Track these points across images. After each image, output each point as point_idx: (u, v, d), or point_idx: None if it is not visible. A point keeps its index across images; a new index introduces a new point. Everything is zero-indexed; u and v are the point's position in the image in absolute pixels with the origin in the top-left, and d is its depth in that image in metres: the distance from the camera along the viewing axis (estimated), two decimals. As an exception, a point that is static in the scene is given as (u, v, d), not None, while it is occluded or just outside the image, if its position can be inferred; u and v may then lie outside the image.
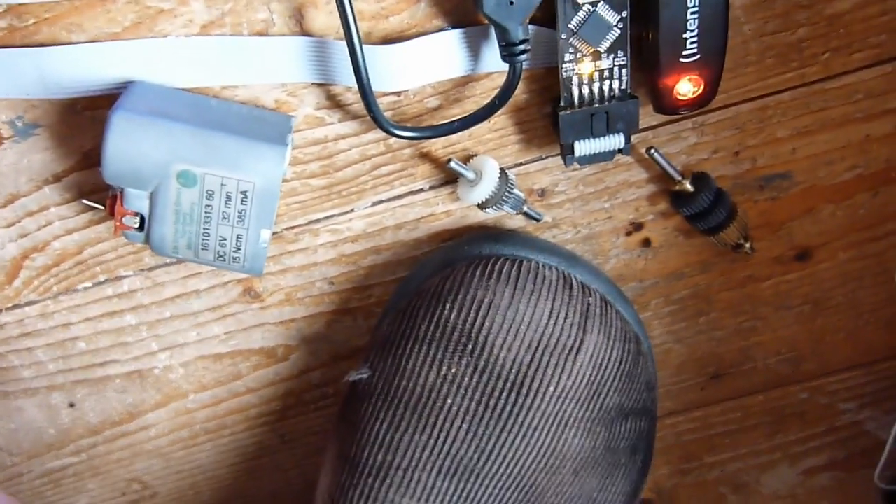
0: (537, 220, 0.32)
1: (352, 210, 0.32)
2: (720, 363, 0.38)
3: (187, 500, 0.40)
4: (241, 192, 0.26)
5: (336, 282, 0.34)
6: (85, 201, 0.29)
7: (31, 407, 0.36)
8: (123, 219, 0.27)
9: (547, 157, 0.32)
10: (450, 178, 0.32)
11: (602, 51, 0.27)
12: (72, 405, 0.36)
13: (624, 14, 0.27)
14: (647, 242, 0.34)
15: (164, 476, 0.39)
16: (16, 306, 0.33)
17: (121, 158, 0.25)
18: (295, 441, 0.38)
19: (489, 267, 0.30)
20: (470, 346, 0.30)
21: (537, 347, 0.30)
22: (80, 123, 0.29)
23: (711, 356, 0.38)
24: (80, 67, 0.27)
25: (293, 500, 0.40)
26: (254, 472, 0.39)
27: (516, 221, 0.33)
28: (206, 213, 0.26)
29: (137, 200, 0.26)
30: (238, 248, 0.27)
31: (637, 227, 0.34)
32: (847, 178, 0.33)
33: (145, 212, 0.27)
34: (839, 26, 0.30)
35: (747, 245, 0.33)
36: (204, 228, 0.27)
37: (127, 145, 0.25)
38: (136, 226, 0.27)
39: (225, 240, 0.27)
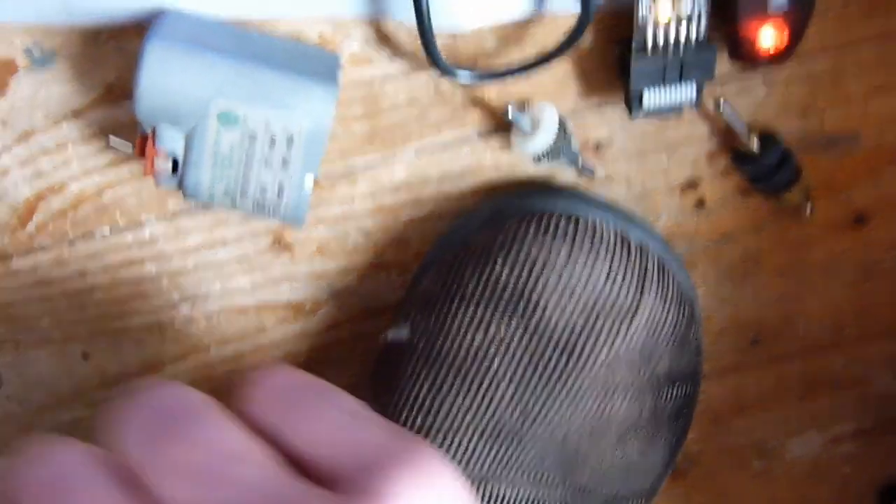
0: (591, 175, 0.30)
1: (394, 156, 0.29)
2: (761, 329, 0.36)
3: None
4: (287, 136, 0.24)
5: (372, 234, 0.31)
6: (112, 139, 0.26)
7: (43, 357, 0.34)
8: (155, 160, 0.24)
9: (606, 105, 0.29)
10: (500, 126, 0.29)
11: (682, -7, 0.25)
12: (86, 356, 0.34)
13: (711, -48, 0.24)
14: (701, 202, 0.32)
15: (180, 430, 0.37)
16: (29, 252, 0.31)
17: (156, 93, 0.23)
18: (319, 398, 0.36)
19: (544, 223, 0.28)
20: (521, 307, 0.28)
21: (592, 310, 0.28)
22: (104, 54, 0.26)
23: (753, 322, 0.36)
24: (106, -10, 0.24)
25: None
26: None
27: (567, 176, 0.31)
28: (247, 156, 0.24)
29: (172, 141, 0.24)
30: (280, 196, 0.25)
31: (693, 185, 0.31)
32: (916, 140, 0.31)
33: (179, 154, 0.24)
34: (931, -25, 0.27)
35: (809, 208, 0.31)
36: (244, 173, 0.24)
37: (163, 78, 0.23)
38: (169, 168, 0.24)
39: (266, 186, 0.25)
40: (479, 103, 0.29)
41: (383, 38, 0.27)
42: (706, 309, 0.35)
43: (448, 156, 0.30)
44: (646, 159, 0.31)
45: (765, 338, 0.37)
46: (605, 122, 0.29)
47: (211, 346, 0.34)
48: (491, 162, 0.30)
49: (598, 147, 0.30)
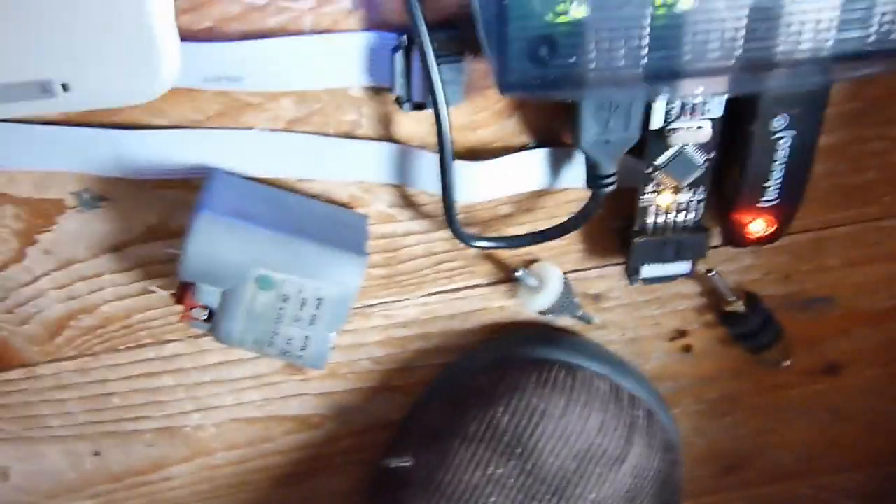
0: (588, 323, 0.33)
1: (407, 299, 0.32)
2: (736, 457, 0.39)
3: (201, 547, 0.40)
4: (317, 299, 0.26)
5: (381, 361, 0.34)
6: (150, 287, 0.28)
7: (54, 453, 0.36)
8: (192, 311, 0.27)
9: (606, 266, 0.32)
10: (508, 277, 0.32)
11: (683, 186, 0.28)
12: (97, 454, 0.36)
13: (711, 154, 0.27)
14: (688, 348, 0.35)
15: (179, 524, 0.39)
16: (54, 360, 0.33)
17: (201, 259, 0.25)
18: (318, 499, 0.39)
19: (544, 374, 0.31)
20: (519, 450, 0.31)
21: (584, 457, 0.31)
22: (149, 200, 0.29)
23: (729, 451, 0.39)
24: (157, 152, 0.27)
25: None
26: (271, 526, 0.39)
27: (567, 321, 0.33)
28: (278, 314, 0.26)
29: (209, 296, 0.26)
30: (304, 348, 0.27)
31: (681, 334, 0.34)
32: (887, 305, 0.34)
33: (215, 306, 0.27)
34: (905, 173, 0.31)
35: (786, 364, 0.34)
36: (273, 327, 0.27)
37: (209, 247, 0.25)
38: (205, 318, 0.27)
39: (292, 339, 0.27)
40: (489, 258, 0.31)
41: (407, 201, 0.29)
42: (686, 437, 0.38)
43: (457, 299, 0.32)
44: (639, 310, 0.33)
45: (739, 466, 0.40)
46: (604, 279, 0.32)
47: (218, 451, 0.36)
48: (497, 305, 0.33)
49: (596, 298, 0.33)
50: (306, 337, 0.27)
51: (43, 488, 0.37)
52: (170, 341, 0.33)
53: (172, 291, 0.28)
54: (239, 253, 0.25)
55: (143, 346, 0.33)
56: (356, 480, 0.38)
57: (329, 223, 0.27)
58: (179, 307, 0.28)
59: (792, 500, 0.42)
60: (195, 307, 0.27)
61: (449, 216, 0.27)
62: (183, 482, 0.37)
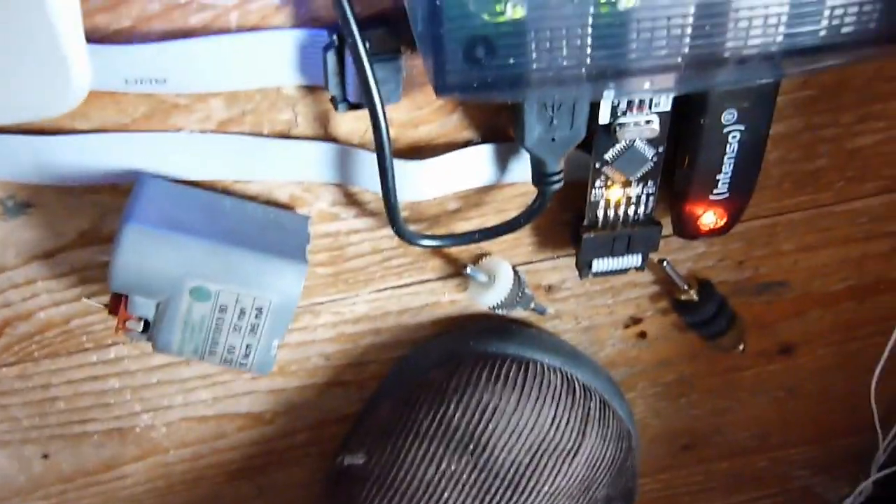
0: (542, 314, 0.32)
1: (356, 295, 0.31)
2: (692, 436, 0.40)
3: (159, 541, 0.39)
4: (256, 308, 0.25)
5: (332, 357, 0.33)
6: (85, 299, 0.27)
7: (1, 458, 0.35)
8: (127, 322, 0.25)
9: (559, 258, 0.31)
10: (459, 271, 0.31)
11: (633, 180, 0.27)
12: (45, 456, 0.35)
13: (660, 149, 0.26)
14: (642, 335, 0.35)
15: (136, 519, 0.38)
16: (-8, 368, 0.31)
17: (131, 271, 0.24)
18: (272, 492, 0.38)
19: (495, 370, 0.30)
20: (472, 446, 0.30)
21: (537, 450, 0.30)
22: (79, 206, 0.27)
23: (685, 430, 0.39)
24: (82, 157, 0.25)
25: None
26: (229, 518, 0.39)
27: (520, 312, 0.33)
28: (216, 324, 0.25)
29: (144, 307, 0.25)
30: (247, 356, 0.26)
31: (636, 321, 0.34)
32: (839, 288, 0.34)
33: (151, 317, 0.25)
34: (858, 159, 0.30)
35: (741, 348, 0.34)
36: (213, 337, 0.26)
37: (139, 259, 0.24)
38: (140, 329, 0.26)
39: (234, 347, 0.26)
40: (438, 252, 0.30)
41: (350, 199, 0.28)
42: (643, 420, 0.38)
43: (407, 294, 0.31)
44: (593, 300, 0.33)
45: (695, 444, 0.40)
46: (556, 270, 0.32)
47: (170, 449, 0.36)
48: (448, 299, 0.32)
49: (549, 289, 0.32)
50: (248, 345, 0.26)
51: (-8, 491, 0.36)
52: (113, 345, 0.31)
53: (105, 303, 0.27)
54: (170, 264, 0.24)
55: (86, 350, 0.31)
56: (312, 472, 0.37)
57: (267, 227, 0.26)
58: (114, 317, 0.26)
59: (748, 474, 0.42)
60: (130, 319, 0.26)
61: (392, 217, 0.26)
62: (137, 480, 0.37)
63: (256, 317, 0.26)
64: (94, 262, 0.29)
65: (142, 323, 0.26)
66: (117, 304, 0.26)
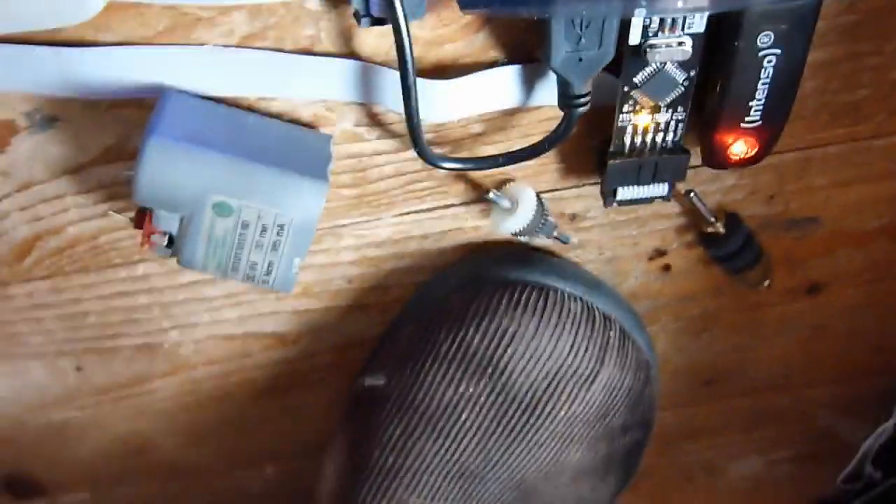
0: (565, 243, 0.32)
1: (379, 219, 0.31)
2: (714, 372, 0.39)
3: (189, 453, 0.41)
4: (278, 225, 0.25)
5: (355, 280, 0.33)
6: (111, 213, 0.27)
7: (37, 368, 0.36)
8: (152, 237, 0.26)
9: (584, 185, 0.31)
10: (482, 197, 0.31)
11: (663, 105, 0.26)
12: (79, 369, 0.36)
13: (692, 73, 0.26)
14: (667, 267, 0.34)
15: (166, 432, 0.40)
16: (26, 280, 0.32)
17: (155, 185, 0.24)
18: (298, 412, 0.39)
19: (515, 296, 0.30)
20: (490, 370, 0.30)
21: (555, 376, 0.30)
22: (104, 121, 0.27)
23: (707, 367, 0.39)
24: (106, 70, 0.25)
25: (290, 459, 0.41)
26: (255, 435, 0.40)
27: (543, 240, 0.32)
28: (239, 240, 0.26)
29: (168, 222, 0.26)
30: (269, 273, 0.27)
31: (660, 253, 0.34)
32: (872, 226, 0.33)
33: (175, 231, 0.26)
34: (901, 90, 0.29)
35: (766, 283, 0.33)
36: (236, 253, 0.26)
37: (162, 173, 0.24)
38: (165, 244, 0.26)
39: (256, 264, 0.27)
40: (462, 177, 0.30)
41: (374, 120, 0.28)
42: (664, 354, 0.38)
43: (430, 219, 0.31)
44: (617, 230, 0.32)
45: (717, 380, 0.40)
46: (580, 199, 0.31)
47: (198, 366, 0.37)
48: (471, 225, 0.32)
49: (573, 218, 0.32)
50: (270, 262, 0.27)
51: (29, 401, 0.37)
52: (140, 261, 0.32)
53: (131, 216, 0.27)
54: (193, 178, 0.24)
55: (114, 266, 0.32)
56: (334, 394, 0.38)
57: (290, 145, 0.26)
58: (140, 232, 0.27)
59: (770, 412, 0.42)
60: (155, 233, 0.26)
61: (414, 137, 0.26)
62: (167, 394, 0.38)
63: (278, 234, 0.26)
64: (120, 178, 0.29)
65: (166, 238, 0.26)
66: (142, 218, 0.26)
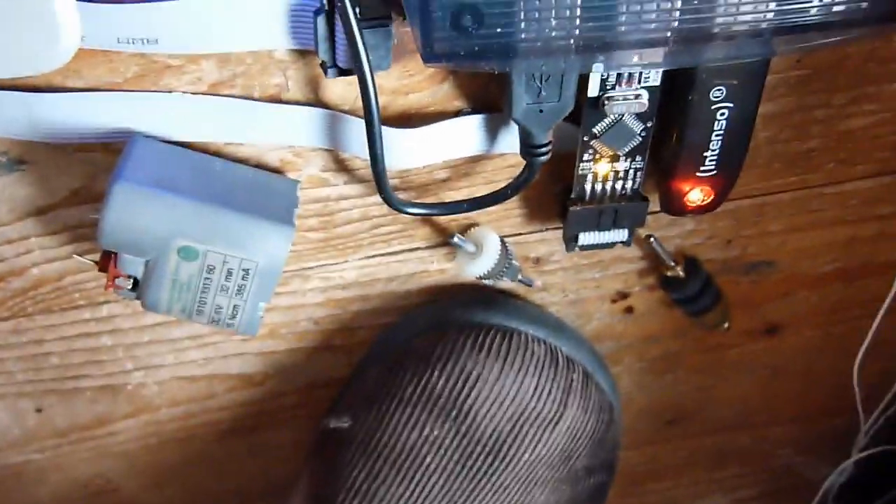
0: (529, 286, 0.33)
1: (345, 261, 0.31)
2: (677, 411, 0.40)
3: (152, 495, 0.40)
4: (244, 270, 0.26)
5: (321, 322, 0.34)
6: (76, 257, 0.27)
7: (-4, 409, 0.35)
8: (116, 280, 0.26)
9: (547, 230, 0.31)
10: (447, 240, 0.31)
11: (621, 154, 0.27)
12: (39, 410, 0.36)
13: (649, 124, 0.27)
14: (629, 309, 0.35)
15: (128, 475, 0.39)
16: (-13, 321, 0.32)
17: (120, 229, 0.25)
18: (263, 452, 0.39)
19: (479, 339, 0.31)
20: (454, 413, 0.31)
21: (518, 419, 0.31)
22: (71, 164, 0.28)
23: (670, 406, 0.40)
24: (74, 115, 0.26)
25: (255, 499, 0.41)
26: (219, 475, 0.40)
27: (507, 283, 0.33)
28: (204, 284, 0.26)
29: (133, 265, 0.26)
30: (234, 316, 0.27)
31: (623, 296, 0.34)
32: (827, 270, 0.34)
33: (139, 275, 0.26)
34: (849, 141, 0.30)
35: (725, 325, 0.34)
36: (200, 297, 0.26)
37: (128, 218, 0.24)
38: (129, 287, 0.26)
39: (221, 308, 0.27)
40: (427, 221, 0.31)
41: (341, 165, 0.28)
42: (628, 394, 0.38)
43: (396, 262, 0.32)
44: (580, 273, 0.33)
45: (680, 419, 0.40)
46: (544, 243, 0.32)
47: (162, 408, 0.36)
48: (437, 268, 0.32)
49: (537, 261, 0.33)
50: (235, 306, 0.27)
51: (-12, 442, 0.37)
52: (105, 302, 0.32)
53: (96, 260, 0.27)
54: (159, 223, 0.25)
55: (78, 307, 0.32)
56: (300, 434, 0.38)
57: (256, 190, 0.26)
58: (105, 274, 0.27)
59: (732, 451, 0.43)
60: (119, 276, 0.26)
61: (380, 184, 0.26)
62: (129, 436, 0.37)
63: (243, 278, 0.26)
64: (86, 220, 0.29)
65: (131, 281, 0.26)
66: (107, 261, 0.26)
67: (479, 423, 0.31)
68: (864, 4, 0.22)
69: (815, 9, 0.22)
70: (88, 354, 0.34)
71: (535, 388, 0.31)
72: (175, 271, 0.26)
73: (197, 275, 0.26)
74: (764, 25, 0.22)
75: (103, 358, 0.34)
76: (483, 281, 0.32)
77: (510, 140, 0.28)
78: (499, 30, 0.21)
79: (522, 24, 0.21)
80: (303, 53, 0.26)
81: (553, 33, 0.22)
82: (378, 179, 0.26)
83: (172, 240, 0.25)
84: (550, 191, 0.30)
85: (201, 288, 0.26)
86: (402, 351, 0.32)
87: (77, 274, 0.31)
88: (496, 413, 0.31)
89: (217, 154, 0.28)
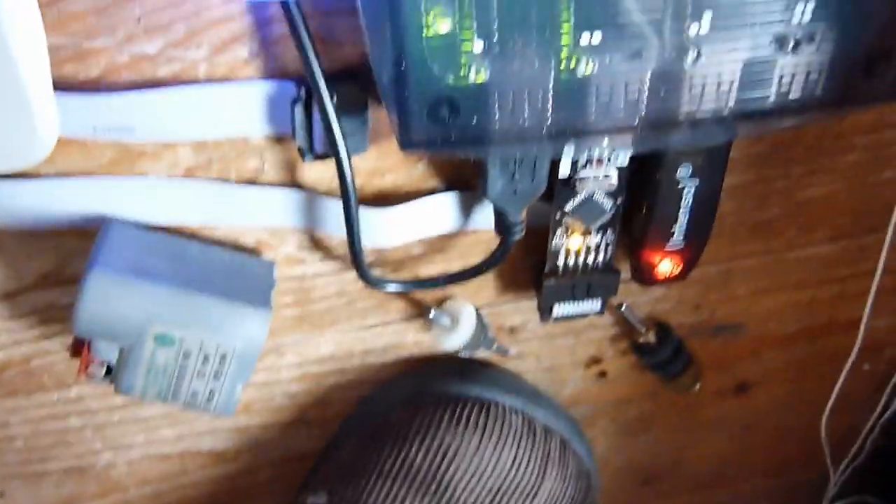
0: (505, 354, 0.33)
1: (321, 336, 0.32)
2: (653, 471, 0.40)
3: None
4: (221, 354, 0.26)
5: (296, 396, 0.33)
6: (45, 342, 0.27)
7: (-43, 495, 0.34)
8: (90, 366, 0.26)
9: (522, 300, 0.32)
10: (422, 312, 0.32)
11: (593, 229, 0.28)
12: (1, 495, 0.35)
13: (619, 200, 0.27)
14: (603, 374, 0.35)
15: (95, 556, 0.38)
16: (-51, 406, 0.31)
17: (96, 317, 0.24)
18: (236, 528, 0.38)
19: (457, 411, 0.31)
20: (433, 487, 0.31)
21: (498, 491, 0.31)
22: (42, 248, 0.27)
23: (646, 466, 0.40)
24: (48, 202, 0.25)
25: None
26: (190, 554, 0.39)
27: (484, 352, 0.33)
28: (180, 369, 0.26)
29: (107, 351, 0.25)
30: (210, 400, 0.27)
31: (596, 361, 0.35)
32: (792, 330, 0.36)
33: (114, 361, 0.26)
34: (808, 209, 0.31)
35: (697, 387, 0.35)
36: (176, 382, 0.26)
37: (103, 306, 0.24)
38: (103, 373, 0.26)
39: (197, 392, 0.26)
40: (403, 294, 0.31)
41: (316, 244, 0.29)
42: (604, 456, 0.39)
43: (372, 335, 0.32)
44: (554, 341, 0.34)
45: (656, 479, 0.41)
46: (519, 312, 0.32)
47: (131, 487, 0.35)
48: (413, 340, 0.32)
49: (512, 330, 0.33)
50: (211, 390, 0.27)
51: (-53, 529, 0.36)
52: (74, 384, 0.31)
53: (68, 345, 0.27)
54: (135, 310, 0.25)
55: (46, 389, 0.31)
56: (275, 508, 0.38)
57: (233, 273, 0.26)
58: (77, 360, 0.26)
59: (706, 506, 0.43)
60: (92, 363, 0.26)
61: (356, 264, 0.27)
62: (96, 517, 0.36)
63: (220, 362, 0.26)
64: (56, 304, 0.29)
65: (104, 367, 0.26)
66: (80, 347, 0.26)
67: (458, 496, 0.31)
68: (818, 91, 0.23)
69: (773, 96, 0.23)
70: (56, 436, 0.33)
71: (514, 460, 0.31)
72: (151, 357, 0.25)
73: (173, 360, 0.26)
74: (726, 112, 0.23)
75: (71, 439, 0.33)
76: (460, 353, 0.32)
77: (484, 216, 0.28)
78: (474, 120, 0.22)
79: (497, 115, 0.22)
80: (279, 138, 0.26)
81: (526, 123, 0.22)
82: (355, 259, 0.27)
83: (149, 326, 0.25)
84: (524, 263, 0.31)
85: (177, 373, 0.26)
86: (379, 424, 0.32)
87: (46, 356, 0.30)
88: (475, 486, 0.31)
89: (193, 236, 0.28)
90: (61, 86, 0.24)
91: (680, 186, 0.27)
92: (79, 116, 0.24)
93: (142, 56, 0.24)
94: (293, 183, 0.27)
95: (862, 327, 0.35)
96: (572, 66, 0.21)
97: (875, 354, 0.37)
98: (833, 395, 0.37)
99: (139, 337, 0.25)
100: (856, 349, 0.35)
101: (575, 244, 0.28)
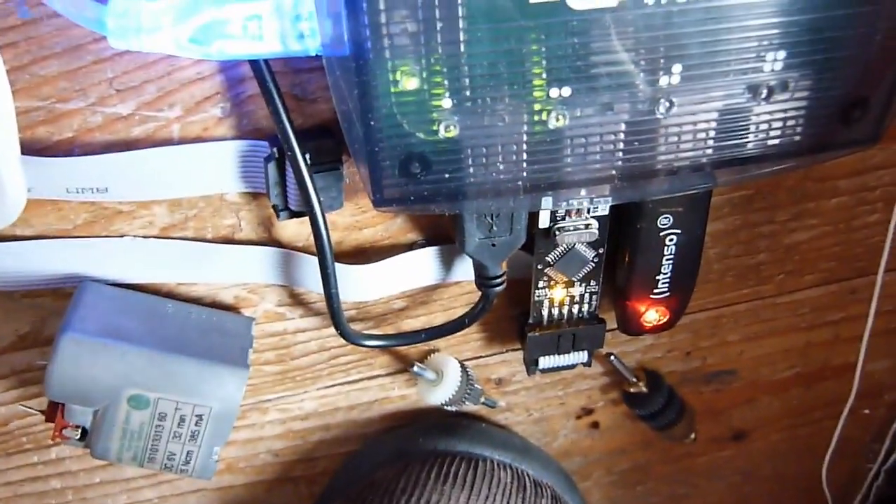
0: (492, 408, 0.32)
1: (305, 392, 0.31)
2: (651, 522, 0.39)
3: None
4: (197, 415, 0.25)
5: (281, 454, 0.33)
6: (21, 406, 0.27)
7: (-66, 562, 0.33)
8: (64, 430, 0.25)
9: (507, 351, 0.31)
10: (407, 367, 0.31)
11: (576, 280, 0.27)
12: (-19, 560, 0.34)
13: (601, 250, 0.27)
14: (595, 424, 0.35)
15: None
16: (-74, 471, 0.30)
17: (69, 381, 0.24)
18: (223, 590, 0.37)
19: (444, 468, 0.30)
20: (420, 547, 0.30)
21: (487, 549, 0.30)
22: (18, 309, 0.27)
23: (643, 517, 0.39)
24: (23, 264, 0.25)
25: None
26: None
27: (470, 406, 0.33)
28: (156, 431, 0.25)
29: (81, 415, 0.25)
30: (188, 462, 0.26)
31: (587, 411, 0.34)
32: (786, 375, 0.35)
33: (88, 425, 0.25)
34: (795, 253, 0.31)
35: (692, 437, 0.34)
36: (152, 444, 0.25)
37: (76, 369, 0.24)
38: (77, 437, 0.25)
39: (174, 454, 0.26)
40: (387, 349, 0.30)
41: (296, 300, 0.28)
42: (599, 507, 0.38)
43: (356, 390, 0.31)
44: (544, 392, 0.33)
45: (654, 530, 0.40)
46: (505, 364, 0.32)
47: (113, 550, 0.34)
48: (398, 394, 0.32)
49: (499, 382, 0.32)
50: (188, 452, 0.26)
51: None
52: (54, 445, 0.31)
53: (42, 409, 0.26)
54: (107, 373, 0.24)
55: (26, 451, 0.31)
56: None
57: (210, 332, 0.26)
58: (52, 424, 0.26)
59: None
60: (67, 427, 0.25)
61: (335, 321, 0.26)
62: (79, 581, 0.35)
63: (197, 424, 0.25)
64: (34, 365, 0.28)
65: (79, 430, 0.25)
66: (54, 410, 0.25)
67: (447, 555, 0.30)
68: (798, 137, 0.23)
69: (752, 143, 0.23)
70: (36, 499, 0.32)
71: (503, 517, 0.30)
72: (125, 420, 0.25)
73: (148, 423, 0.25)
74: (704, 160, 0.23)
75: (51, 502, 0.32)
76: (446, 407, 0.32)
77: (465, 268, 0.28)
78: (447, 175, 0.22)
79: (470, 169, 0.22)
80: (254, 196, 0.26)
81: (501, 176, 0.22)
82: (334, 316, 0.26)
83: (122, 389, 0.24)
84: (508, 315, 0.30)
85: (153, 436, 0.25)
86: (365, 484, 0.31)
87: (24, 418, 0.30)
88: (464, 545, 0.30)
89: (170, 294, 0.27)
90: (34, 148, 0.23)
91: (661, 236, 0.26)
92: (52, 179, 0.23)
93: (115, 117, 0.23)
94: (270, 240, 0.27)
95: (858, 371, 0.34)
96: (544, 119, 0.21)
97: (874, 398, 0.37)
98: (833, 441, 0.36)
99: (113, 399, 0.25)
100: (853, 394, 0.34)
101: (558, 295, 0.28)
